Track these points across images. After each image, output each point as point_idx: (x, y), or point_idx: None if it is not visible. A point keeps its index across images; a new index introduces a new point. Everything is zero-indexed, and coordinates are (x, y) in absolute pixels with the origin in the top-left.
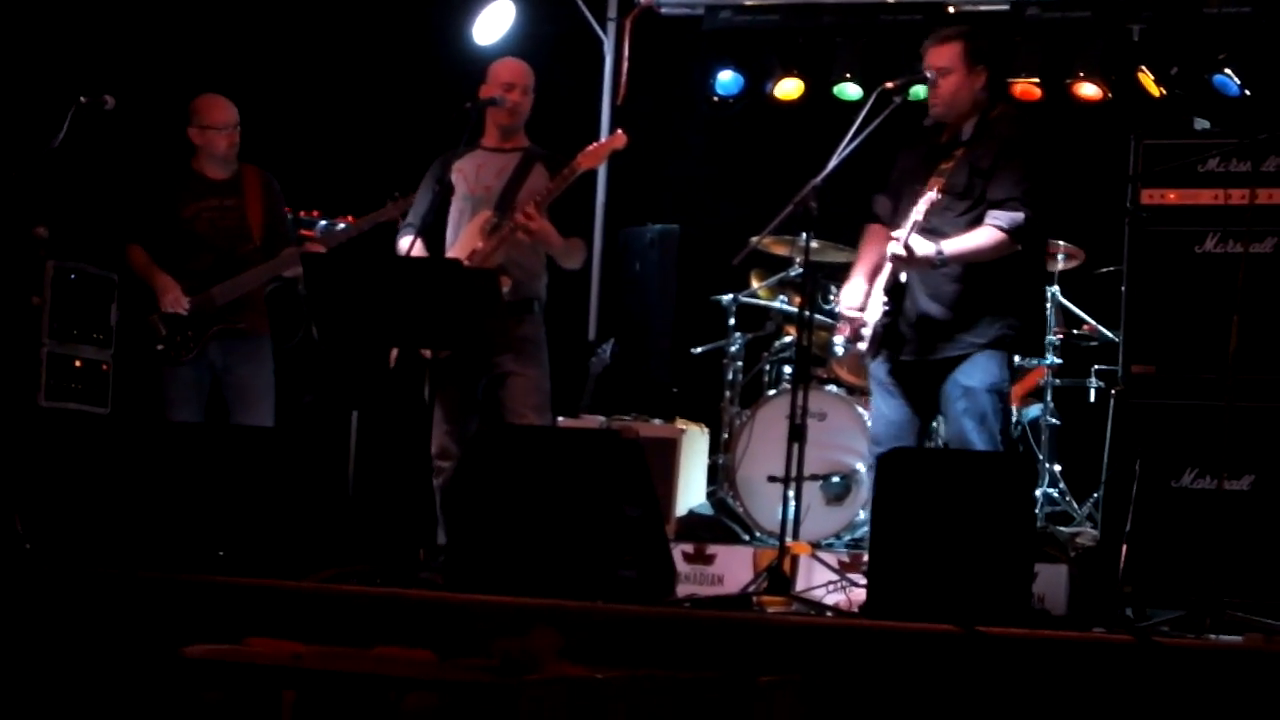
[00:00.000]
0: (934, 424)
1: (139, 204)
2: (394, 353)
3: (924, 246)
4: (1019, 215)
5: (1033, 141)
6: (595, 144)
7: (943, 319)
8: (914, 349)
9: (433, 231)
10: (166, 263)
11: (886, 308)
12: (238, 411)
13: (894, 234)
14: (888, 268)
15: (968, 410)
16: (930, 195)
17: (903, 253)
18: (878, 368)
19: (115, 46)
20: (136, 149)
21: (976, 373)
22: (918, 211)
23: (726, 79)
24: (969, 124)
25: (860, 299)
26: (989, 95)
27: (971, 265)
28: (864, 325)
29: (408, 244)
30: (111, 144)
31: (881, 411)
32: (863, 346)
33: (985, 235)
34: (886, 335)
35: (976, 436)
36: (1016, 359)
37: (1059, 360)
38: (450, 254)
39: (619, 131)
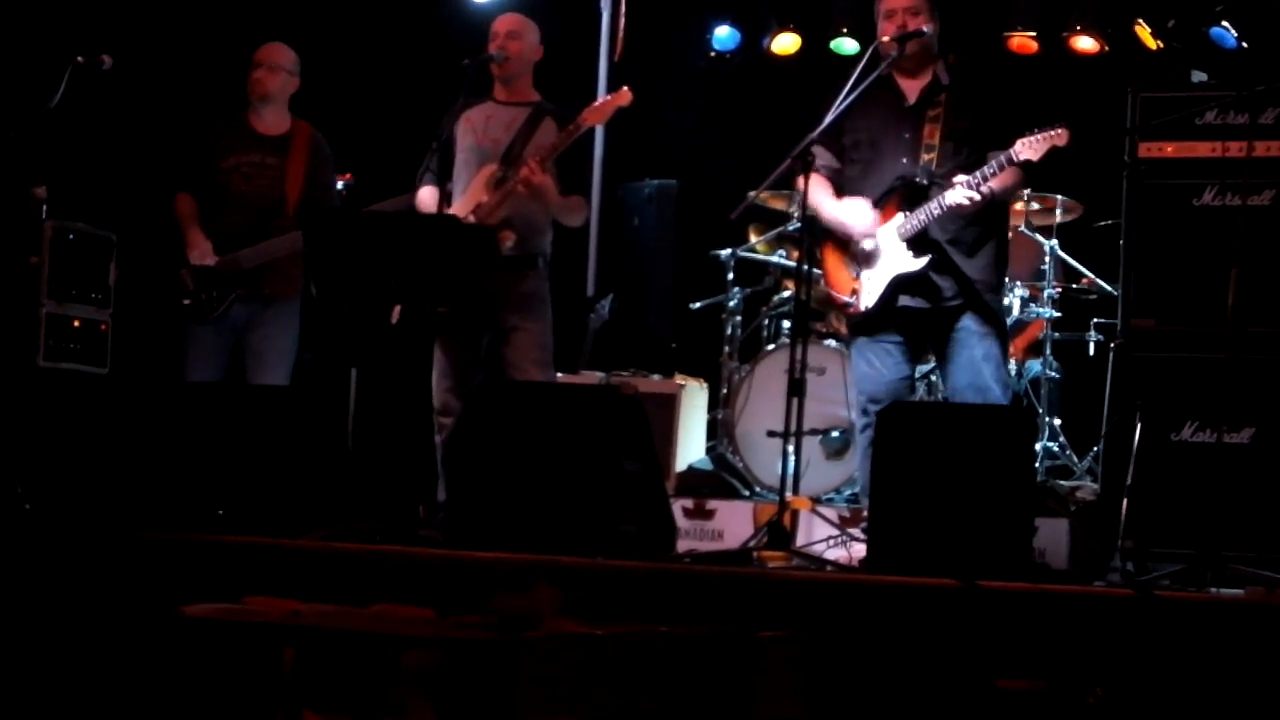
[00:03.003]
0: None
1: (187, 153)
2: (396, 309)
3: (986, 189)
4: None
5: (1016, 81)
6: (601, 100)
7: (962, 264)
8: (932, 296)
9: (445, 182)
10: (203, 216)
11: (927, 258)
12: (254, 373)
13: (957, 180)
14: (901, 219)
15: (986, 356)
16: (1059, 131)
17: (978, 197)
18: (876, 324)
19: (113, 6)
20: (182, 102)
21: (991, 318)
22: (998, 160)
23: (723, 34)
24: (938, 69)
25: (871, 217)
26: (941, 45)
27: (983, 210)
28: (875, 241)
29: (425, 192)
30: (109, 104)
31: (879, 373)
32: (867, 302)
33: (1016, 174)
34: (907, 284)
35: (994, 382)
36: (1015, 313)
37: (1058, 314)
38: (456, 206)
39: (624, 89)
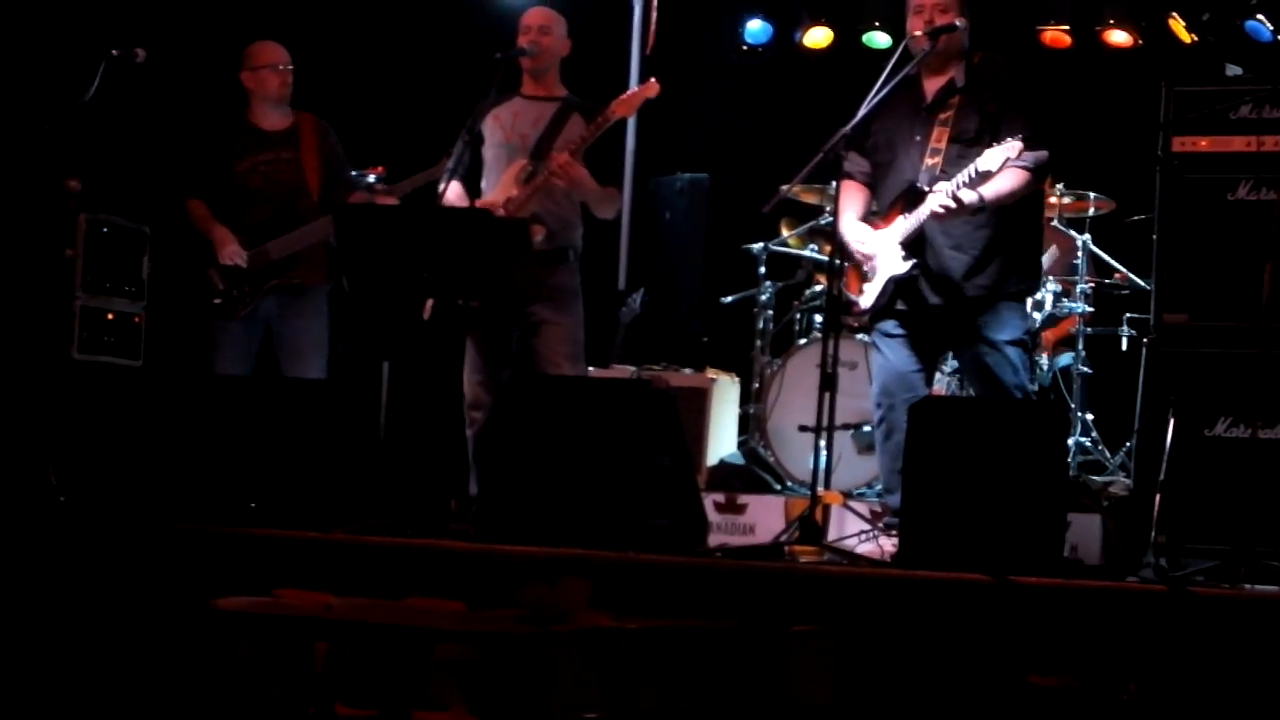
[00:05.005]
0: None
1: (194, 158)
2: (428, 304)
3: (967, 195)
4: (1041, 153)
5: (1034, 80)
6: (629, 92)
7: (969, 269)
8: (936, 298)
9: (471, 179)
10: (224, 216)
11: (912, 261)
12: (288, 365)
13: (935, 187)
14: (902, 222)
15: (998, 364)
16: (1011, 143)
17: (952, 205)
18: (884, 321)
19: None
20: (185, 104)
21: (1003, 326)
22: (984, 161)
23: (755, 28)
24: (957, 70)
25: (870, 238)
26: (970, 44)
27: (995, 213)
28: (874, 245)
29: (443, 188)
30: (143, 97)
31: (890, 363)
32: (865, 303)
33: (1015, 177)
34: (903, 288)
35: (1010, 390)
36: (1048, 308)
37: (1091, 309)
38: (486, 201)
39: (652, 80)
